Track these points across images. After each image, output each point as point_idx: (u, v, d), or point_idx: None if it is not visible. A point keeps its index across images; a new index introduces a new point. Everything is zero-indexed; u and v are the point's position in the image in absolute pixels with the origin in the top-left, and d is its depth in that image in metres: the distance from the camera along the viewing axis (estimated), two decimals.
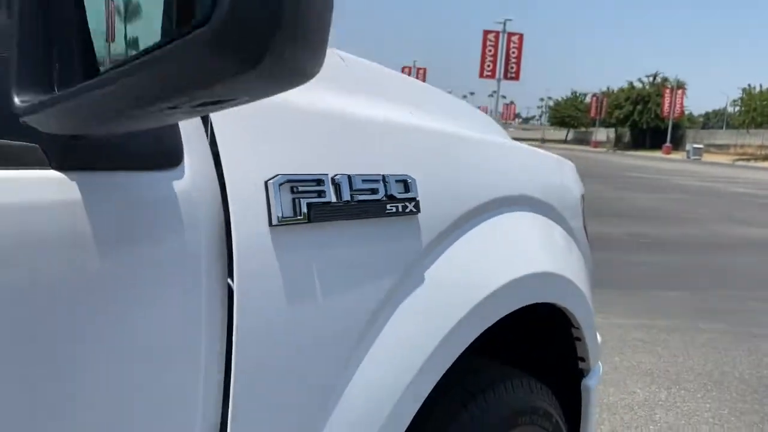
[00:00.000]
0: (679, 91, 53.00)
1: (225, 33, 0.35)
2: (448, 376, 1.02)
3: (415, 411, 0.94)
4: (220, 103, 0.44)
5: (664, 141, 50.30)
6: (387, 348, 0.88)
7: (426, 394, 0.96)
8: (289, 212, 0.74)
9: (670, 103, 52.18)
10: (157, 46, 0.40)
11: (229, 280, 0.70)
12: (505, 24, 40.61)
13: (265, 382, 0.75)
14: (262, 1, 0.35)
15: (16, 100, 0.51)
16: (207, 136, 0.71)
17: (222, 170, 0.70)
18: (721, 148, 50.01)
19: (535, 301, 1.20)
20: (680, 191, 16.06)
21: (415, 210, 0.92)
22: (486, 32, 41.19)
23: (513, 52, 40.75)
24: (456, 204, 1.04)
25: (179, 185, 0.65)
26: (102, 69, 0.50)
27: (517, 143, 1.45)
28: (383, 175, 0.88)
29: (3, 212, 0.53)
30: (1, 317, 0.53)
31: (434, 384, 0.97)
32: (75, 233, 0.57)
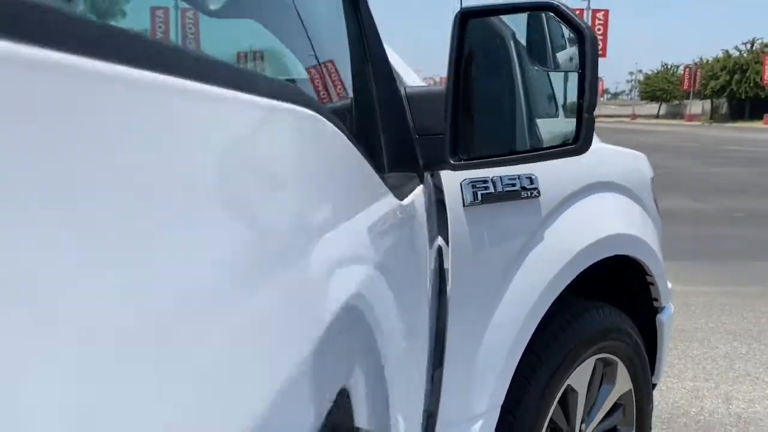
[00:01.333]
0: None
1: (579, 147, 0.98)
2: (561, 305, 1.60)
3: (539, 320, 1.53)
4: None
5: (766, 111, 47.89)
6: (522, 279, 1.49)
7: (545, 310, 1.55)
8: (471, 198, 1.36)
9: None
10: (542, 149, 1.07)
11: (440, 238, 1.32)
12: (589, 1, 39.85)
13: (460, 291, 1.36)
14: (588, 137, 0.98)
15: (450, 160, 1.09)
16: None
17: (440, 178, 1.32)
18: None
19: (615, 253, 1.76)
20: None
21: (537, 195, 1.51)
22: None
23: (599, 29, 39.85)
24: (562, 190, 1.62)
25: (428, 186, 1.27)
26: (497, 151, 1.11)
27: (604, 145, 2.01)
28: (518, 175, 1.48)
29: (408, 205, 1.15)
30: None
31: (550, 303, 1.56)
32: (422, 211, 1.18)
